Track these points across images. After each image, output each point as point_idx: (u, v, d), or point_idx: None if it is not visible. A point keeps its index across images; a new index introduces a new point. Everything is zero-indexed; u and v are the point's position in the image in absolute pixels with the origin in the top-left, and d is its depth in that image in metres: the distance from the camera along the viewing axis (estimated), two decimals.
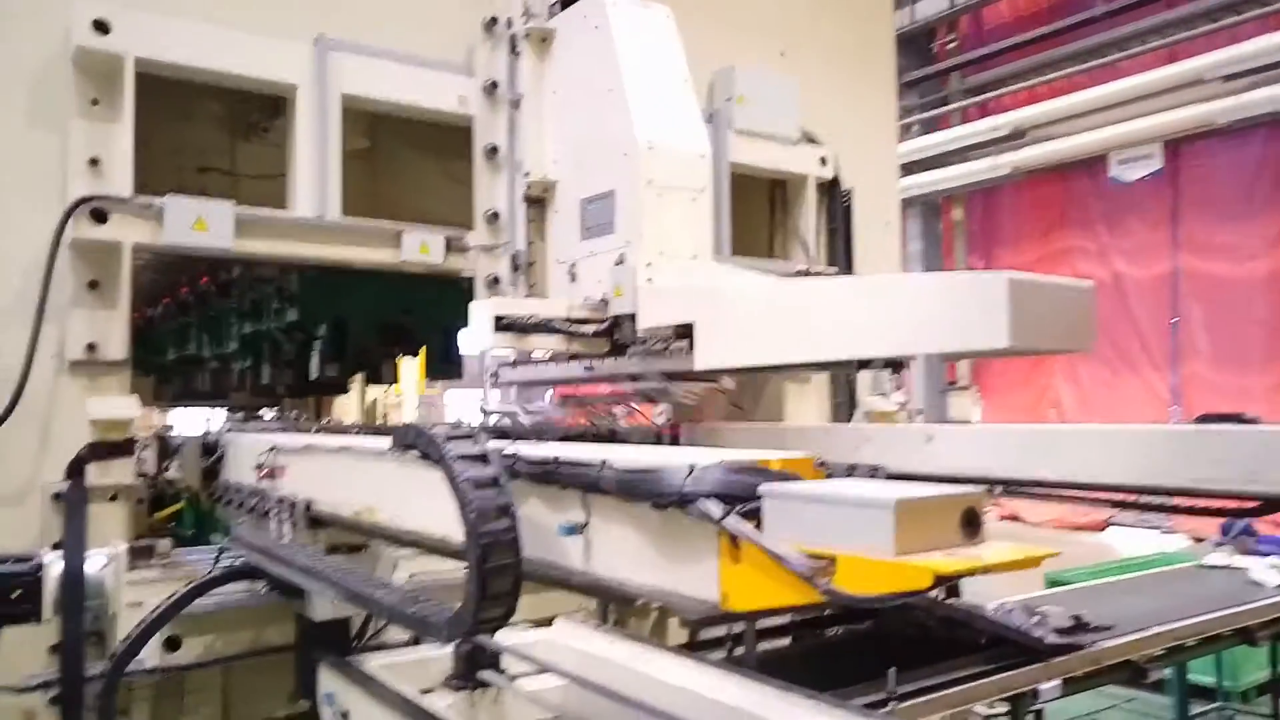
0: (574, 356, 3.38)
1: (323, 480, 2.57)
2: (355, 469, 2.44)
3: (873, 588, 1.19)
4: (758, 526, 1.31)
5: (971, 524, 1.27)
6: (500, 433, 2.94)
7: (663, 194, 3.23)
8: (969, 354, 2.41)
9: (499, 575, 1.48)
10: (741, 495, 1.33)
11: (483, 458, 1.54)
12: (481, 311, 3.14)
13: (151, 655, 2.60)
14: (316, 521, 2.54)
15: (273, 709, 2.85)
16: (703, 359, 2.71)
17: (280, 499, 2.64)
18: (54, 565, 2.62)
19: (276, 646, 2.75)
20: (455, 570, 2.60)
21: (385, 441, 2.06)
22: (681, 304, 2.89)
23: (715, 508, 1.31)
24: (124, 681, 2.58)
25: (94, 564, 2.67)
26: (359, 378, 6.17)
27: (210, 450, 3.46)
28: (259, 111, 4.73)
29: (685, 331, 2.86)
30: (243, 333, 5.57)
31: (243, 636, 2.74)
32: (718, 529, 1.32)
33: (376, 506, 2.34)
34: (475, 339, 3.16)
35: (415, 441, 1.71)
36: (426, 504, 1.98)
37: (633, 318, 3.14)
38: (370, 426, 5.53)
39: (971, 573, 1.19)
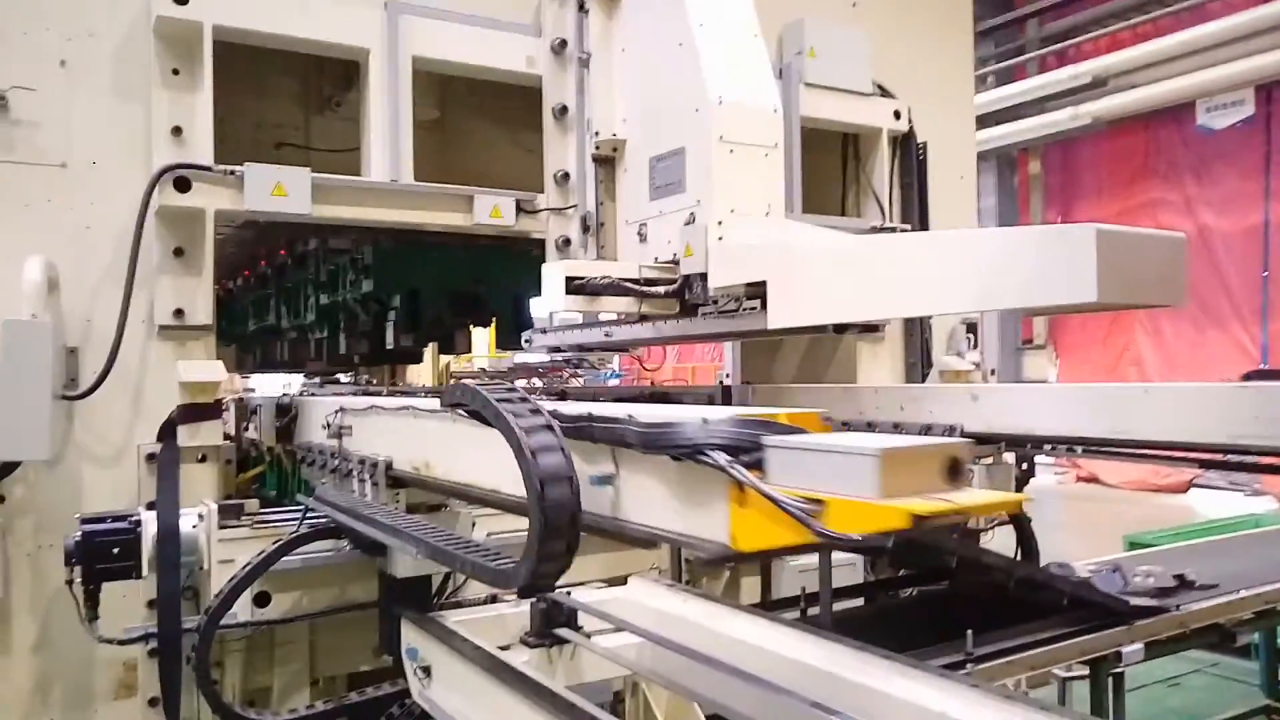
0: (644, 317, 3.38)
1: (387, 438, 2.68)
2: (414, 427, 2.55)
3: (858, 528, 1.29)
4: (763, 475, 1.42)
5: (954, 472, 1.36)
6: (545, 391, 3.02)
7: (734, 150, 3.17)
8: (1053, 309, 2.34)
9: (558, 536, 1.58)
10: (747, 446, 1.44)
11: (549, 427, 1.62)
12: (553, 273, 3.15)
13: (243, 610, 2.69)
14: (397, 481, 2.59)
15: (358, 663, 2.94)
16: (776, 318, 2.68)
17: (361, 459, 2.70)
18: (150, 523, 2.72)
19: (360, 603, 2.82)
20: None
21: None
22: (754, 262, 2.85)
23: (722, 457, 1.42)
24: (218, 635, 2.67)
25: (186, 522, 2.77)
26: (432, 346, 6.26)
27: (285, 411, 3.57)
28: (331, 86, 4.79)
29: (757, 291, 2.83)
30: (319, 303, 5.69)
31: (328, 593, 2.82)
32: (727, 477, 1.43)
33: (433, 462, 2.44)
34: (547, 300, 3.17)
35: (471, 402, 1.80)
36: (475, 457, 2.17)
37: (704, 277, 3.12)
38: (433, 389, 5.63)
39: (946, 514, 1.29)
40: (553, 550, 1.59)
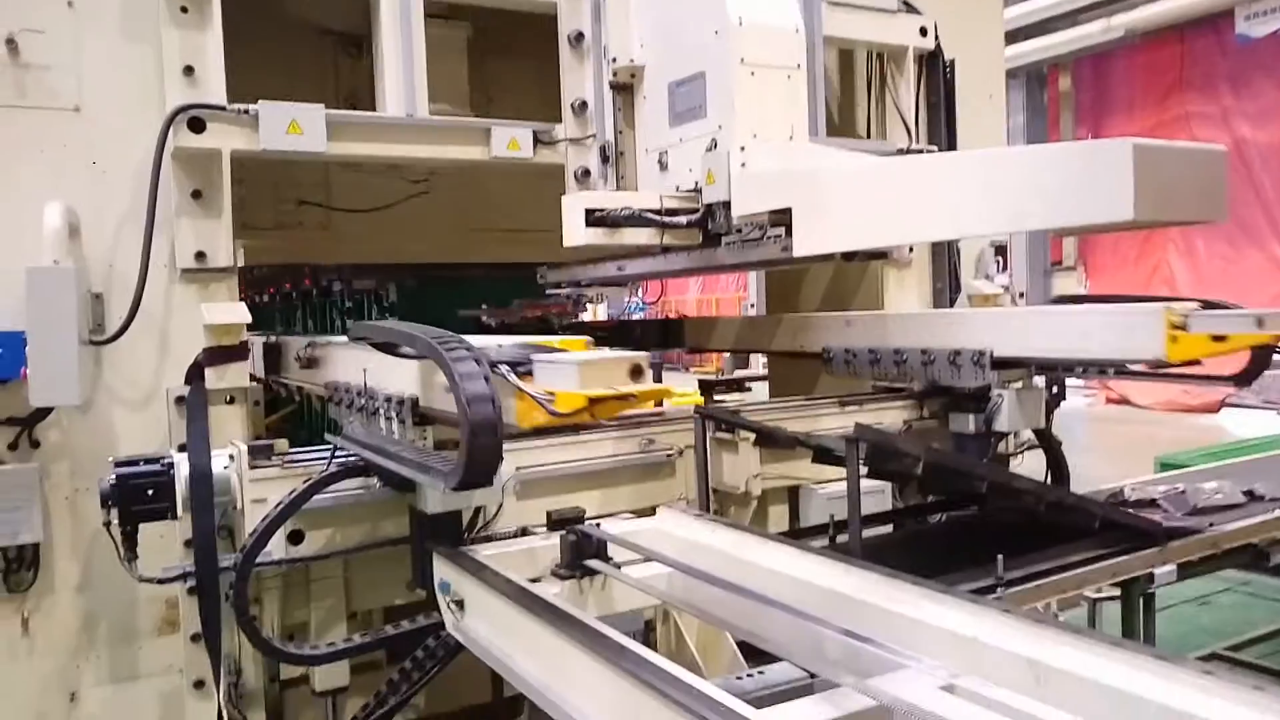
0: (667, 249, 3.33)
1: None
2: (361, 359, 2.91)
3: (567, 408, 2.06)
4: (532, 380, 2.18)
5: (636, 373, 2.11)
6: None
7: (756, 72, 3.09)
8: (1090, 229, 2.29)
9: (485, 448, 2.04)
10: (520, 361, 2.20)
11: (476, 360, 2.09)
12: (572, 206, 3.10)
13: (277, 548, 2.72)
14: (424, 419, 2.60)
15: (392, 598, 2.98)
16: (802, 245, 2.63)
17: (388, 397, 2.72)
18: (183, 465, 2.75)
19: (392, 539, 2.86)
20: (560, 464, 3.12)
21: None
22: (778, 188, 2.80)
23: (504, 369, 2.16)
24: (254, 572, 2.72)
25: (218, 463, 2.79)
26: None
27: (272, 351, 3.94)
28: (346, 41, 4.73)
29: (782, 218, 2.78)
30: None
31: (360, 529, 2.85)
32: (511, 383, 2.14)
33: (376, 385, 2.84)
34: (569, 234, 3.14)
35: (425, 350, 2.26)
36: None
37: (726, 205, 3.06)
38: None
39: (617, 398, 2.06)
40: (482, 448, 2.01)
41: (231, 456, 2.82)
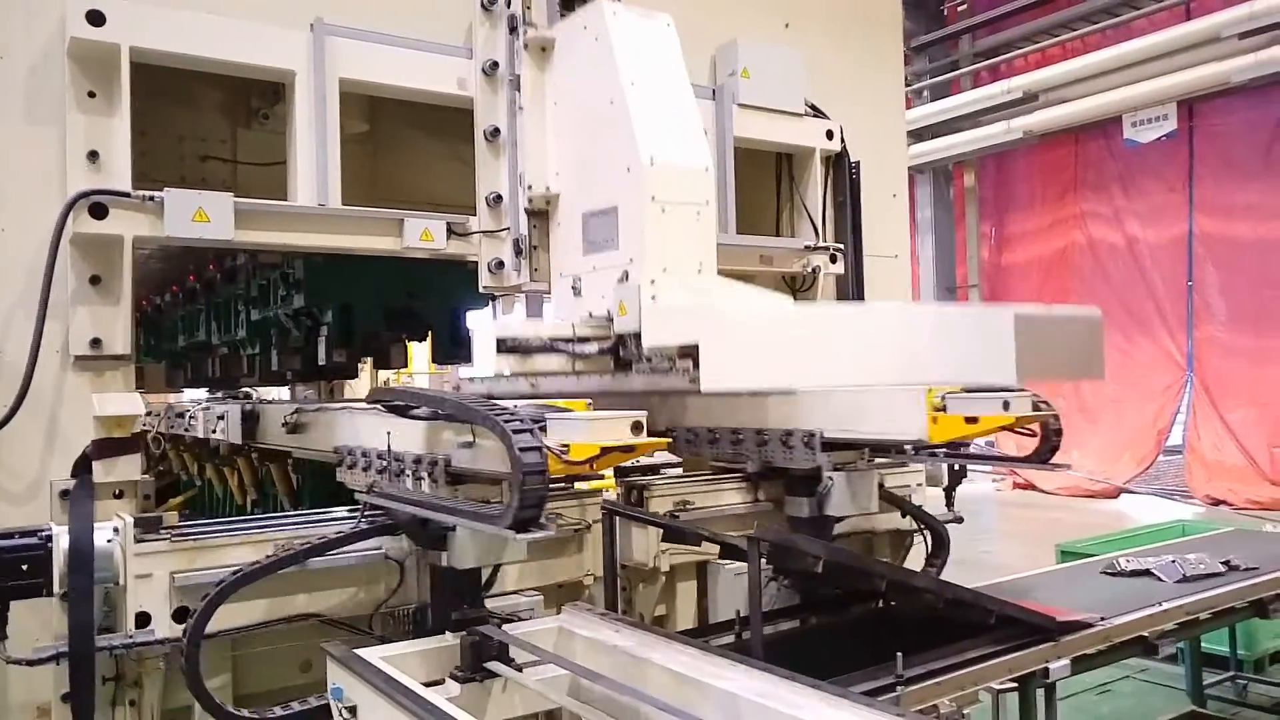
0: (579, 374, 3.35)
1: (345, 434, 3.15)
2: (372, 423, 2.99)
3: (582, 455, 2.30)
4: (546, 435, 2.34)
5: (637, 429, 2.35)
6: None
7: (666, 209, 3.14)
8: (977, 386, 2.46)
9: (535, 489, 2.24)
10: (539, 419, 2.37)
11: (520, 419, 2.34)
12: (483, 335, 3.13)
13: (161, 626, 2.64)
14: (456, 478, 2.61)
15: (285, 679, 2.89)
16: (708, 381, 2.66)
17: (418, 458, 2.70)
18: (62, 538, 2.61)
19: (288, 616, 2.81)
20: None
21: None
22: (686, 324, 2.83)
23: (527, 424, 2.31)
24: (136, 652, 2.61)
25: (101, 535, 2.66)
26: (369, 362, 6.19)
27: (250, 418, 3.87)
28: (259, 98, 4.71)
29: (690, 352, 2.82)
30: (250, 319, 5.58)
31: (256, 606, 2.78)
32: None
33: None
34: (478, 363, 3.16)
35: (465, 414, 2.53)
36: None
37: (637, 336, 3.09)
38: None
39: (623, 448, 2.34)
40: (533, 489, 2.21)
41: (116, 529, 2.72)
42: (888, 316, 2.35)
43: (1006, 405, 2.84)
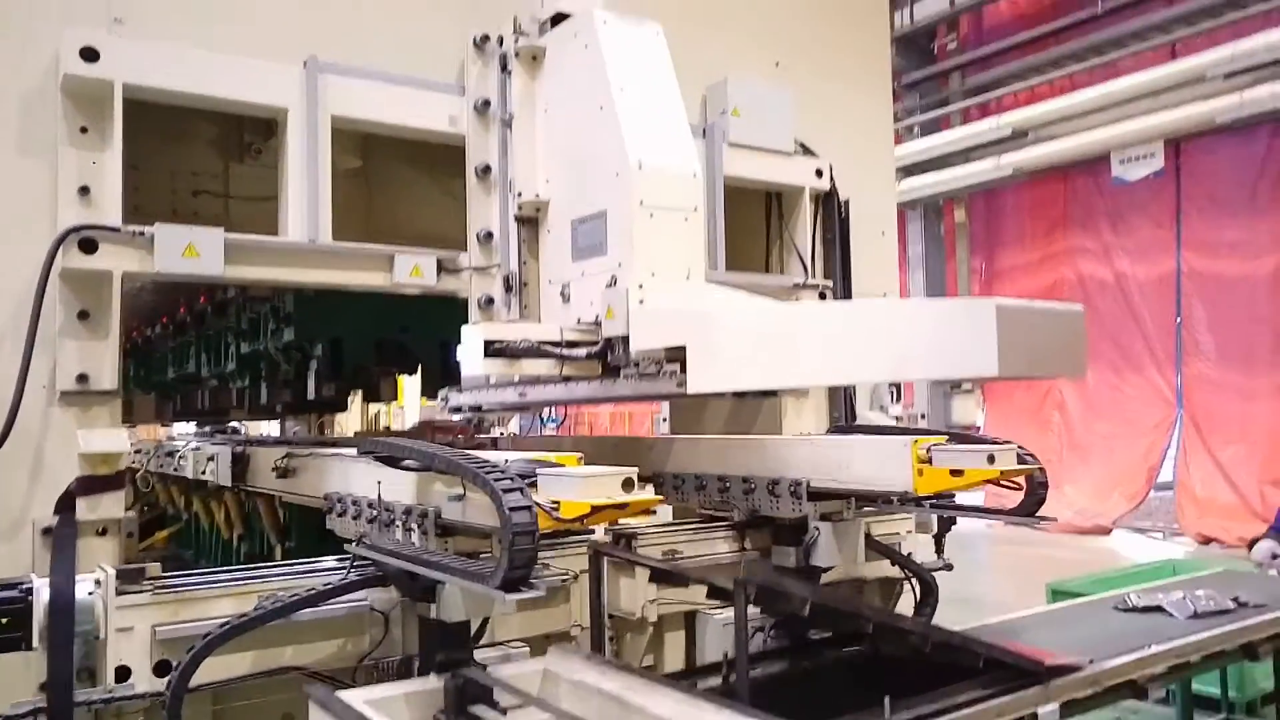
0: (567, 379, 3.36)
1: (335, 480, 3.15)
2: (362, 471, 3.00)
3: (572, 514, 2.25)
4: (537, 490, 2.33)
5: (628, 485, 2.30)
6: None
7: (655, 214, 3.20)
8: (960, 380, 2.43)
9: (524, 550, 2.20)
10: (528, 474, 2.35)
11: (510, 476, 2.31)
12: (472, 337, 3.12)
13: (141, 679, 2.61)
14: (446, 530, 2.61)
15: None
16: (696, 383, 2.69)
17: (408, 509, 2.70)
18: (43, 591, 2.59)
19: (269, 670, 2.78)
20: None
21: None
22: (673, 327, 2.87)
23: (517, 481, 2.27)
24: (116, 707, 2.58)
25: (82, 588, 2.63)
26: (357, 395, 6.18)
27: (240, 461, 3.89)
28: (251, 133, 4.73)
29: (677, 355, 2.84)
30: (240, 352, 5.58)
31: (238, 659, 2.73)
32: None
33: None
34: (467, 365, 3.15)
35: (453, 469, 2.50)
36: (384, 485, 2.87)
37: (625, 340, 3.12)
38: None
39: (614, 506, 2.27)
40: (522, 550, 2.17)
41: (98, 581, 2.68)
42: (872, 312, 2.38)
43: (991, 459, 2.82)
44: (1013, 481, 2.99)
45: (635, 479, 2.33)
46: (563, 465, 2.46)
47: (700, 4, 4.83)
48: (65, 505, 3.01)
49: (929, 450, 2.85)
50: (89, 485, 3.03)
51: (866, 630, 2.91)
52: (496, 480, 2.25)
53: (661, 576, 3.39)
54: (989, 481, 2.88)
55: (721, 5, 4.97)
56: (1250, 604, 4.04)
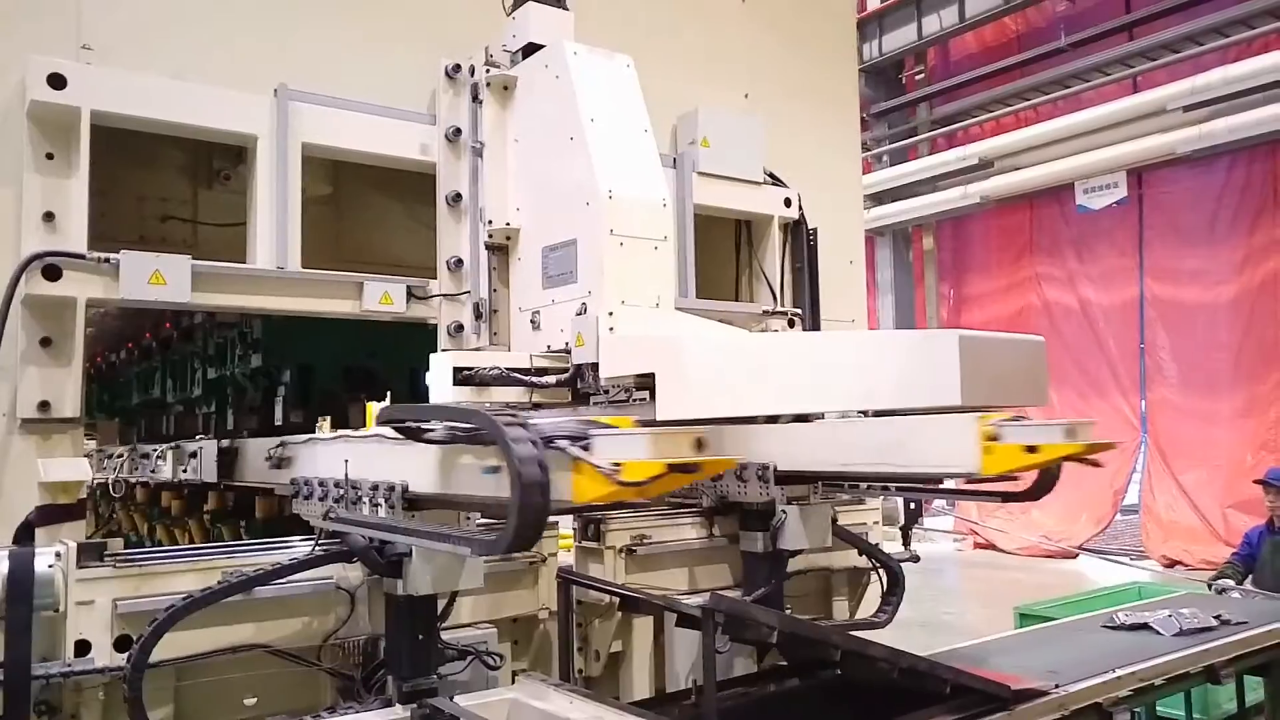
0: (536, 405, 3.36)
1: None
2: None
3: (640, 475, 1.97)
4: (590, 453, 2.04)
5: (700, 445, 2.06)
6: None
7: (624, 243, 3.23)
8: (924, 410, 2.43)
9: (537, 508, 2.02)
10: (579, 435, 2.07)
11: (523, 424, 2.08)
12: (441, 365, 3.12)
13: (101, 654, 2.59)
14: (413, 504, 2.57)
15: (230, 712, 2.83)
16: (665, 410, 2.70)
17: (375, 485, 2.65)
18: (2, 563, 2.56)
19: (234, 646, 2.79)
20: None
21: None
22: (642, 354, 2.89)
23: (564, 442, 2.04)
24: (74, 681, 2.56)
25: (42, 561, 2.61)
26: (325, 422, 6.12)
27: (228, 454, 3.88)
28: (221, 159, 4.71)
29: (647, 382, 2.86)
30: (206, 377, 5.53)
31: (200, 635, 2.73)
32: (568, 456, 2.03)
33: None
34: (436, 391, 3.15)
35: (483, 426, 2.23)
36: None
37: (595, 367, 3.14)
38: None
39: (685, 465, 2.02)
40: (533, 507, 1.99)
41: (58, 554, 2.66)
42: (840, 343, 2.41)
43: (1072, 433, 2.51)
44: (1092, 460, 2.66)
45: (705, 438, 2.09)
46: (616, 426, 2.19)
47: (670, 36, 4.90)
48: (24, 536, 2.96)
49: (998, 427, 2.46)
50: (49, 515, 2.98)
51: (834, 657, 2.92)
52: (507, 426, 2.05)
53: (630, 605, 3.39)
54: (1069, 458, 2.58)
55: (691, 37, 5.04)
56: (1232, 621, 4.16)
